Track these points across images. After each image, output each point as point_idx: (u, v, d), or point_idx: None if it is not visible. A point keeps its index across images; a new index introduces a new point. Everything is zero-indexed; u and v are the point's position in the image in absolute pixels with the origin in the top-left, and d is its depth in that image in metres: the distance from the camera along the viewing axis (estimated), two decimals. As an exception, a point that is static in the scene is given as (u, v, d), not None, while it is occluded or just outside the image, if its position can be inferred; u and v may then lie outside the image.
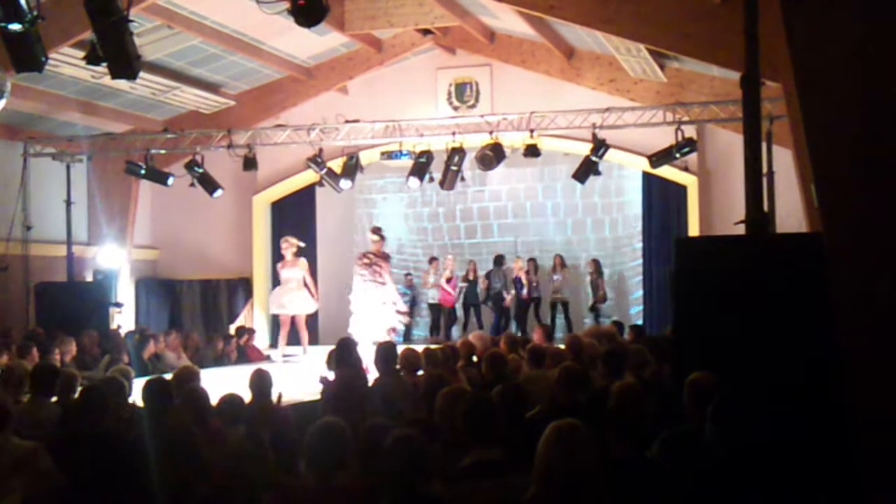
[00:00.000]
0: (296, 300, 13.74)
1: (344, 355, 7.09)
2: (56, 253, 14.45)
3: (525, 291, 16.16)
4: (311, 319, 16.78)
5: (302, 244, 13.92)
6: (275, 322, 16.77)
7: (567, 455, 3.42)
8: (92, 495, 4.31)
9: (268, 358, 13.96)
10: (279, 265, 14.08)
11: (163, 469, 4.38)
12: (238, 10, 11.64)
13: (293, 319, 13.93)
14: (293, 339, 14.11)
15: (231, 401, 5.83)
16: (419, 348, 8.16)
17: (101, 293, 14.48)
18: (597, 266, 16.35)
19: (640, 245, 16.12)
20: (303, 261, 13.83)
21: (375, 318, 12.25)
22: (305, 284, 13.79)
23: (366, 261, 12.47)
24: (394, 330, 12.54)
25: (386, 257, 12.77)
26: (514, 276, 16.26)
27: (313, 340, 16.16)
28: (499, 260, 16.67)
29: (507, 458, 3.97)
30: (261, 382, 6.59)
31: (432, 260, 17.23)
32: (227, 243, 16.77)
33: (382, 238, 12.87)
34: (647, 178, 15.29)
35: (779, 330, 5.78)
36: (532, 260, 16.68)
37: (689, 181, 14.66)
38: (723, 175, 14.06)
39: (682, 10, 10.01)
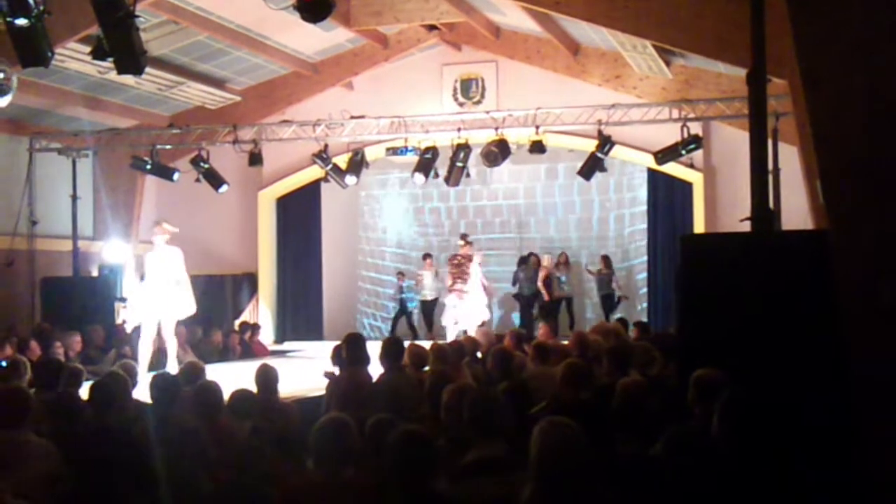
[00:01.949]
0: (171, 300, 10.98)
1: (351, 351, 7.09)
2: (61, 248, 14.49)
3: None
4: (316, 314, 16.83)
5: (175, 229, 11.32)
6: (278, 317, 16.80)
7: (553, 453, 3.41)
8: (95, 491, 4.31)
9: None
10: (146, 254, 11.54)
11: (168, 465, 4.38)
12: (244, 6, 11.64)
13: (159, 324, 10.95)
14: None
15: (242, 397, 5.82)
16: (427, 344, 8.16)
17: (107, 288, 14.50)
18: (607, 262, 16.32)
19: (645, 242, 16.10)
20: (178, 251, 11.14)
21: (468, 310, 13.67)
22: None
23: (455, 262, 13.96)
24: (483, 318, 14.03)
25: (471, 259, 13.99)
26: (544, 275, 15.99)
27: (317, 336, 16.18)
28: (524, 259, 16.60)
29: (510, 454, 3.96)
30: (266, 378, 6.59)
31: (426, 256, 16.95)
32: (233, 239, 16.80)
33: (469, 242, 14.15)
34: (653, 175, 15.26)
35: (784, 327, 5.77)
36: (563, 254, 16.57)
37: (695, 178, 14.63)
38: (728, 172, 14.04)
39: (689, 7, 9.98)
